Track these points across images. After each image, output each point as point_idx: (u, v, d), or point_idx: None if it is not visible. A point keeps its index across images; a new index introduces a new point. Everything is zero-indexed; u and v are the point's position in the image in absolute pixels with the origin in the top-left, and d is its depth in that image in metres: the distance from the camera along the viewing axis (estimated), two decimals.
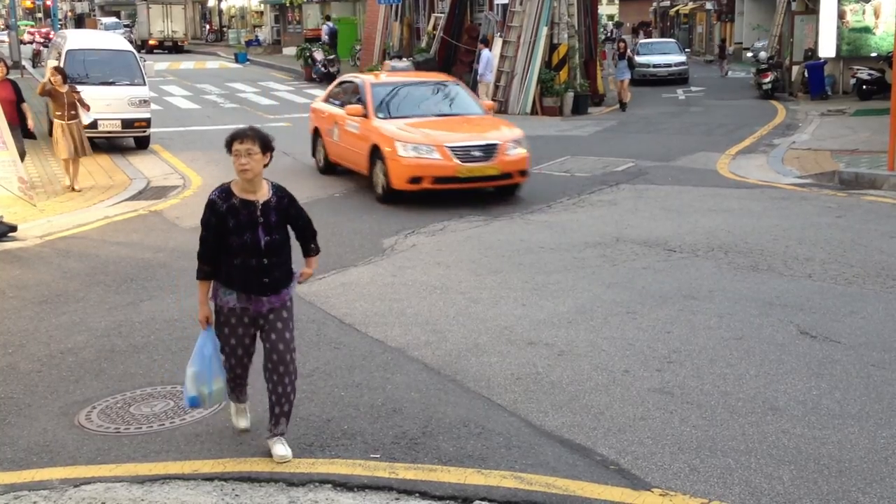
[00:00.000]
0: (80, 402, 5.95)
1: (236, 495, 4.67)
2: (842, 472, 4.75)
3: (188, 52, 54.11)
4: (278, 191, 5.05)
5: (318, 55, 32.37)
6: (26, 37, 49.32)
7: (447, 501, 4.57)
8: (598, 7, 28.79)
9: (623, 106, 24.53)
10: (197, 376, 4.99)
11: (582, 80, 24.30)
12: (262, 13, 59.52)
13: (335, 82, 15.82)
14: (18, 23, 42.57)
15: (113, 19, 67.63)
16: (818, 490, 4.58)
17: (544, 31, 23.09)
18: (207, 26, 69.62)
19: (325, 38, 37.53)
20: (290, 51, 43.54)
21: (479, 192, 12.39)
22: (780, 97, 26.34)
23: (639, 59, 33.29)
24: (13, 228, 10.73)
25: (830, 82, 25.45)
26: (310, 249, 5.28)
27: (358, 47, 36.27)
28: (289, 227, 5.10)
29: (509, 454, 5.04)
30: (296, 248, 5.16)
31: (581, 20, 24.67)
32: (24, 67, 34.55)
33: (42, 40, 44.58)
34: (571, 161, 15.83)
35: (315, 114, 15.26)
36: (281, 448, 4.99)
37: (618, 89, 25.38)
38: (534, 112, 23.12)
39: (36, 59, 38.71)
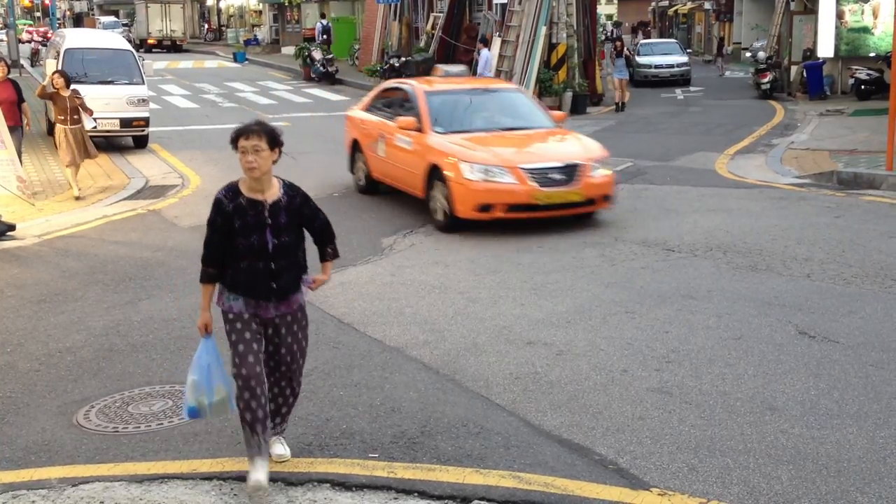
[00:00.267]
0: (78, 401, 5.94)
1: (235, 495, 4.67)
2: (840, 472, 4.75)
3: (187, 51, 54.09)
4: (290, 190, 4.72)
5: (317, 54, 32.36)
6: (24, 36, 49.23)
7: (446, 501, 4.57)
8: (597, 7, 28.78)
9: (620, 106, 24.46)
10: (196, 386, 4.71)
11: (581, 80, 24.30)
12: (260, 12, 59.47)
13: (379, 89, 13.80)
14: (17, 21, 42.53)
15: (111, 18, 67.58)
16: (816, 490, 4.58)
17: (543, 30, 23.08)
18: (206, 25, 69.59)
19: (318, 36, 37.57)
20: (288, 50, 43.52)
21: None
22: (778, 97, 26.34)
23: (640, 59, 32.91)
24: (12, 227, 10.73)
25: (829, 82, 25.46)
26: (326, 253, 4.93)
27: (356, 46, 36.28)
28: (305, 230, 4.81)
29: (508, 454, 5.03)
30: (311, 249, 4.91)
31: (580, 20, 24.68)
32: (22, 66, 34.52)
33: (40, 39, 44.54)
34: None
35: (353, 124, 13.34)
36: (280, 447, 4.97)
37: (616, 88, 25.36)
38: None
39: (34, 58, 38.70)
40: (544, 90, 23.23)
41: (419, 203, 11.36)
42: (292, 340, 4.79)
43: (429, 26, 30.14)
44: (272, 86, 31.87)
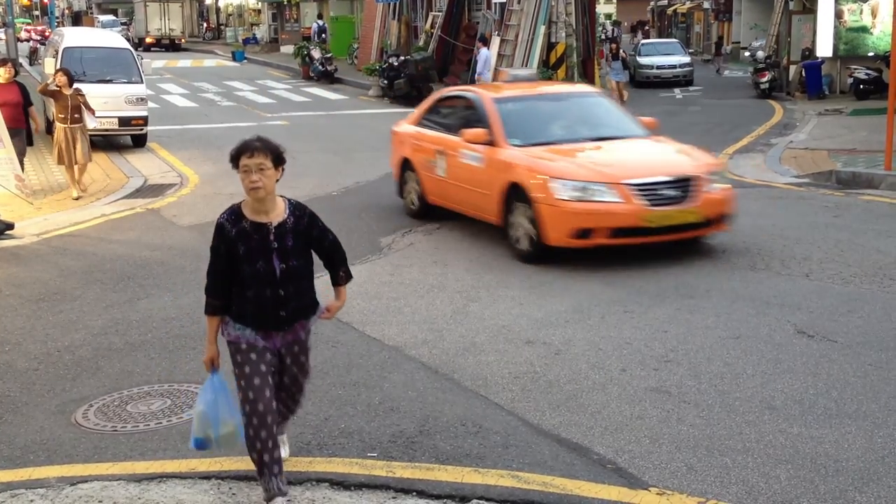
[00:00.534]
0: (76, 400, 5.94)
1: (233, 494, 4.66)
2: (839, 472, 4.75)
3: (185, 50, 54.06)
4: (296, 209, 4.37)
5: (316, 53, 32.36)
6: (23, 34, 49.22)
7: (444, 500, 4.56)
8: (596, 6, 28.77)
9: None
10: (202, 417, 4.44)
11: (580, 80, 24.29)
12: (259, 11, 59.46)
13: (432, 99, 12.11)
14: (15, 20, 42.50)
15: (110, 17, 67.55)
16: (815, 489, 4.58)
17: (542, 29, 23.10)
18: (205, 24, 69.56)
19: (313, 35, 37.56)
20: (287, 49, 43.49)
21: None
22: (777, 97, 26.35)
23: (642, 59, 32.53)
24: (10, 226, 10.72)
25: (828, 82, 25.46)
26: (339, 277, 4.57)
27: (355, 45, 36.27)
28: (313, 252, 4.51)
29: (507, 453, 5.03)
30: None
31: (579, 19, 24.70)
32: (21, 65, 34.49)
33: (39, 38, 44.52)
34: None
35: (402, 140, 11.68)
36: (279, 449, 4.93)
37: (612, 90, 25.36)
38: None
39: (33, 56, 38.66)
40: None
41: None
42: (298, 368, 4.56)
43: (428, 25, 30.14)
44: (271, 85, 31.85)
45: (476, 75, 23.62)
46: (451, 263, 9.15)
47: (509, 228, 9.37)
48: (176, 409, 5.74)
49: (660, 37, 54.84)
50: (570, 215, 8.72)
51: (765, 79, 26.72)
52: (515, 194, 9.19)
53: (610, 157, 9.47)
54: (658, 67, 32.12)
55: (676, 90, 30.44)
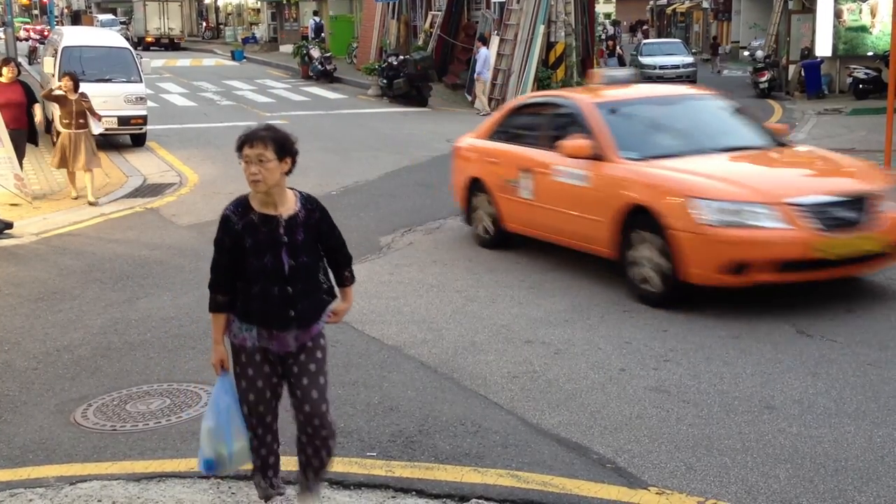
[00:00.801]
0: (76, 399, 5.94)
1: (232, 493, 4.66)
2: (838, 471, 4.75)
3: (185, 49, 54.01)
4: (308, 203, 4.12)
5: (315, 53, 32.35)
6: (22, 34, 49.15)
7: (444, 500, 4.56)
8: (595, 5, 28.74)
9: None
10: (213, 433, 4.09)
11: (579, 79, 24.25)
12: (258, 10, 59.44)
13: (508, 107, 10.44)
14: (14, 19, 42.47)
15: (109, 16, 67.48)
16: (814, 489, 4.58)
17: (541, 29, 23.08)
18: (204, 23, 69.52)
19: (311, 34, 37.53)
20: (286, 48, 43.44)
21: None
22: (776, 96, 26.34)
23: (644, 59, 32.27)
24: (9, 225, 10.72)
25: (827, 81, 25.47)
26: (344, 277, 4.30)
27: (355, 45, 36.26)
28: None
29: (506, 452, 5.03)
30: None
31: (578, 18, 24.67)
32: (20, 64, 34.46)
33: (38, 37, 44.48)
34: None
35: (470, 157, 10.14)
36: None
37: None
38: None
39: (32, 56, 38.62)
40: (542, 88, 23.24)
41: (417, 202, 10.25)
42: (316, 370, 4.14)
43: (427, 25, 30.12)
44: (270, 84, 31.84)
45: (475, 75, 23.61)
46: (451, 263, 9.15)
47: (630, 264, 7.74)
48: (175, 409, 5.74)
49: (659, 36, 54.83)
50: (720, 245, 7.05)
51: (764, 78, 26.72)
52: (638, 220, 7.60)
53: (756, 171, 7.96)
54: (661, 67, 31.58)
55: None
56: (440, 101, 25.22)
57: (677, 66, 31.77)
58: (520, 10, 23.29)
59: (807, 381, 5.93)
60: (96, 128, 12.64)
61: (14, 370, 6.48)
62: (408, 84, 24.54)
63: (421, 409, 5.62)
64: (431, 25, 29.33)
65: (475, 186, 9.89)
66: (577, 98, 9.21)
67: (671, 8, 60.88)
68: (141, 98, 17.17)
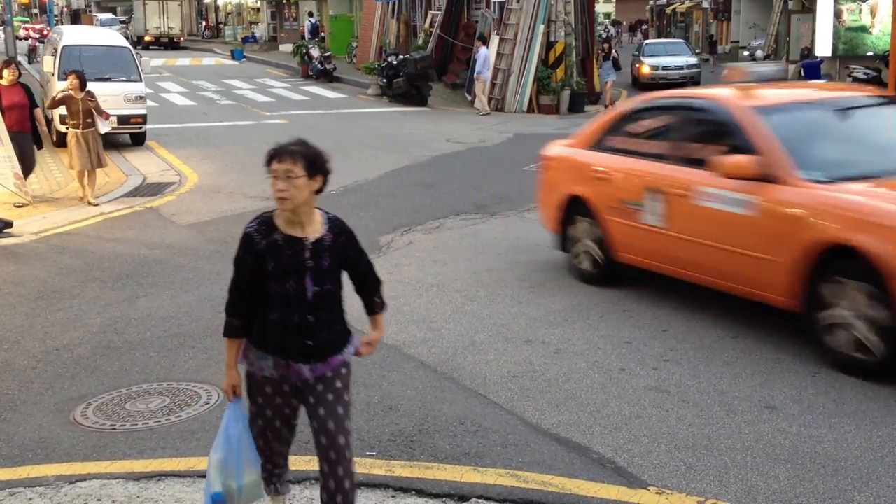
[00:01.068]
0: (75, 398, 5.94)
1: None
2: (838, 471, 4.75)
3: (184, 48, 54.00)
4: (335, 226, 3.85)
5: (315, 52, 32.35)
6: (21, 33, 49.14)
7: (443, 499, 4.56)
8: (595, 5, 28.73)
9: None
10: (222, 466, 3.86)
11: (578, 78, 24.31)
12: (258, 10, 59.44)
13: (620, 111, 8.79)
14: (14, 18, 42.47)
15: (109, 15, 67.52)
16: (814, 489, 4.58)
17: (541, 28, 23.10)
18: (204, 23, 69.53)
19: (307, 34, 37.54)
20: (286, 48, 43.44)
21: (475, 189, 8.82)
22: None
23: (646, 60, 31.46)
24: (9, 224, 10.72)
25: (827, 81, 25.49)
26: (375, 304, 4.06)
27: (354, 44, 36.26)
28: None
29: (506, 452, 5.03)
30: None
31: (578, 18, 24.69)
32: (19, 64, 34.47)
33: (37, 36, 44.46)
34: None
35: (568, 170, 8.62)
36: None
37: (605, 91, 25.38)
38: (530, 110, 23.17)
39: (31, 55, 38.63)
40: (542, 88, 23.27)
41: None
42: (334, 400, 3.83)
43: (427, 24, 30.12)
44: (270, 83, 31.84)
45: (475, 74, 23.61)
46: (450, 262, 9.15)
47: (824, 321, 6.11)
48: (175, 408, 5.74)
49: (659, 36, 54.82)
50: None
51: None
52: (838, 263, 6.02)
53: None
54: (664, 68, 30.72)
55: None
56: (440, 101, 25.22)
57: (681, 67, 30.85)
58: (519, 10, 23.30)
59: (807, 381, 5.93)
60: (103, 127, 12.45)
61: (14, 369, 6.48)
62: (407, 83, 24.54)
63: (420, 409, 5.62)
64: (431, 25, 29.33)
65: (574, 207, 8.33)
66: (727, 101, 7.34)
67: (671, 8, 60.89)
68: (140, 97, 17.16)
